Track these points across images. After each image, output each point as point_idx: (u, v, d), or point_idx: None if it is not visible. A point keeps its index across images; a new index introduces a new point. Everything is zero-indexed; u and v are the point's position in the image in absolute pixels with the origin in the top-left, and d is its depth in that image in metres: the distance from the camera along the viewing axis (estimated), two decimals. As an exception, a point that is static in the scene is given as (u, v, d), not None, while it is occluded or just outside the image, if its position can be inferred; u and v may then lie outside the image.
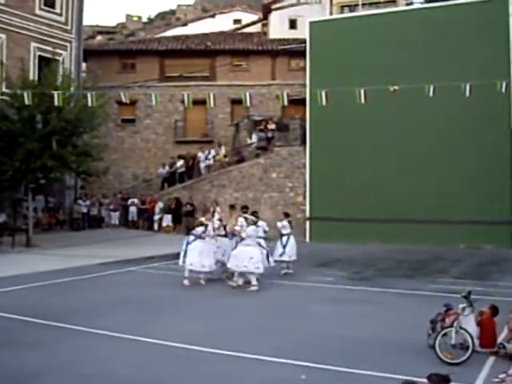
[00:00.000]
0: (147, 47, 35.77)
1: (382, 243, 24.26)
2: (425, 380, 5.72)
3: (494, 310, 9.18)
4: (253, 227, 14.88)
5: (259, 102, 33.10)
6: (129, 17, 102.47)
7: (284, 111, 32.86)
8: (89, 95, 17.36)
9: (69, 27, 30.28)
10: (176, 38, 37.93)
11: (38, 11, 28.53)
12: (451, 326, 8.56)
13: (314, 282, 15.52)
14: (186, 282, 14.90)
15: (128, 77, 33.51)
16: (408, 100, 22.43)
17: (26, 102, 18.45)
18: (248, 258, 14.45)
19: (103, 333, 9.87)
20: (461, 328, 8.46)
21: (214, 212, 22.48)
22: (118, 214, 31.14)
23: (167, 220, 29.59)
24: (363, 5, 33.66)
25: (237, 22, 46.96)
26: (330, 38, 27.58)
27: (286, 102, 18.38)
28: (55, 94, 17.89)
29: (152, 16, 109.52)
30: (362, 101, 17.00)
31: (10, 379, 7.58)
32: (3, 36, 26.75)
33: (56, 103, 17.83)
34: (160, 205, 29.81)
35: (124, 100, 17.85)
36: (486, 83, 16.90)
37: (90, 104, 17.69)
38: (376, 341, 9.55)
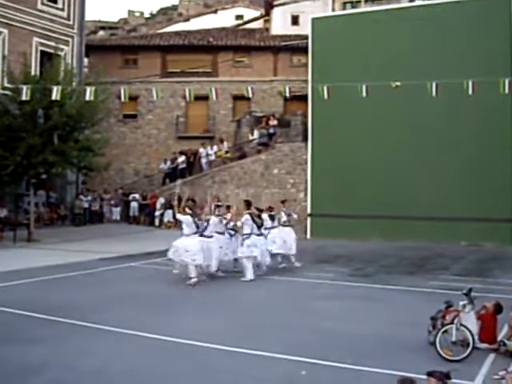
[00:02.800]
0: (149, 43, 35.73)
1: (384, 240, 24.26)
2: (421, 376, 5.75)
3: (497, 308, 9.18)
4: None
5: (261, 98, 33.08)
6: (131, 12, 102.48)
7: (286, 107, 32.84)
8: (88, 89, 17.29)
9: (71, 22, 30.26)
10: (178, 34, 37.86)
11: (40, 6, 28.52)
12: (452, 322, 8.58)
13: (315, 279, 15.53)
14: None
15: (130, 72, 33.51)
16: (410, 96, 22.43)
17: (25, 98, 18.34)
18: (184, 250, 14.51)
19: (105, 328, 9.90)
20: (461, 325, 8.48)
21: (215, 208, 22.46)
22: (119, 209, 31.18)
23: (168, 216, 29.59)
24: (365, 1, 33.62)
25: (239, 17, 46.88)
26: (332, 34, 27.56)
27: (288, 94, 18.40)
28: (55, 88, 17.83)
29: (154, 11, 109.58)
30: (364, 95, 16.93)
31: (13, 374, 7.61)
32: (5, 31, 26.74)
33: (54, 97, 17.74)
34: (161, 200, 29.81)
35: (123, 98, 17.73)
36: (489, 81, 16.86)
37: (88, 97, 17.55)
38: (376, 337, 9.56)
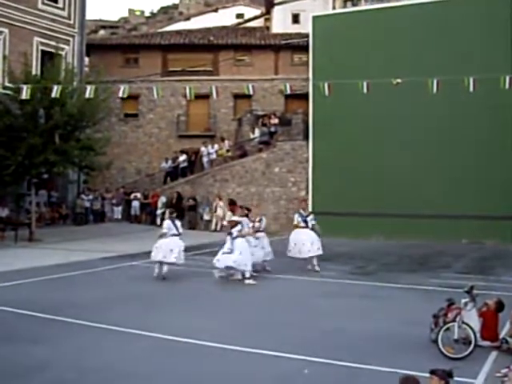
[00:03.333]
0: (150, 42, 35.72)
1: (385, 238, 24.26)
2: (423, 374, 5.74)
3: (499, 306, 9.16)
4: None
5: (262, 97, 33.06)
6: (131, 11, 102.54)
7: (287, 106, 32.83)
8: (88, 88, 17.25)
9: (71, 22, 30.25)
10: (179, 33, 37.85)
11: (40, 5, 28.51)
12: (454, 320, 8.56)
13: (316, 277, 15.53)
14: (228, 276, 14.92)
15: (131, 71, 33.50)
16: (411, 94, 22.42)
17: (25, 97, 18.30)
18: (168, 249, 14.96)
19: (106, 327, 9.90)
20: (463, 323, 8.47)
21: (216, 206, 22.62)
22: (120, 208, 31.18)
23: (170, 215, 29.52)
24: (366, -1, 33.57)
25: (239, 16, 46.86)
26: (332, 32, 27.54)
27: (288, 92, 18.34)
28: (55, 87, 17.79)
29: (155, 10, 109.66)
30: (365, 91, 16.86)
31: (15, 374, 7.61)
32: (6, 30, 26.73)
33: (54, 95, 17.69)
34: (163, 199, 29.78)
35: (121, 94, 17.56)
36: (490, 77, 16.85)
37: (87, 95, 17.49)
38: (379, 335, 9.56)
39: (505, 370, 7.38)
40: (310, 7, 33.83)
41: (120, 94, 16.93)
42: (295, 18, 36.60)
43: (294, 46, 33.36)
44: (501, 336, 8.94)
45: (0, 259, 17.89)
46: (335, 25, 27.85)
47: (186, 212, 28.70)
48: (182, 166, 31.79)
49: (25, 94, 17.72)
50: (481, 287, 11.05)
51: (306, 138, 28.31)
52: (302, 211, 17.08)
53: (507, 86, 16.21)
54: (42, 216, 27.28)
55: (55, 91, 17.37)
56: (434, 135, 25.17)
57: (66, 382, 7.44)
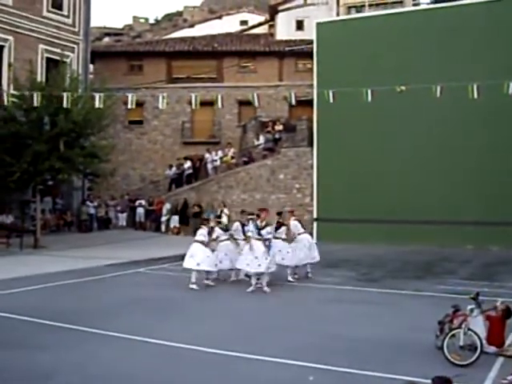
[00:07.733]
0: (154, 49, 35.85)
1: (390, 244, 24.20)
2: (427, 381, 5.69)
3: (507, 313, 9.11)
4: None
5: (266, 103, 33.09)
6: (136, 18, 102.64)
7: (291, 112, 32.85)
8: (97, 96, 17.32)
9: (76, 29, 30.38)
10: (183, 40, 37.99)
11: (45, 13, 28.64)
12: (459, 327, 8.54)
13: (321, 283, 15.50)
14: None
15: (135, 78, 33.62)
16: (415, 101, 22.40)
17: (36, 104, 18.39)
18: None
19: (112, 334, 9.89)
20: (469, 329, 8.44)
21: (221, 213, 22.56)
22: (125, 215, 31.23)
23: (174, 221, 29.62)
24: (370, 5, 33.68)
25: (244, 23, 47.04)
26: (336, 38, 27.56)
27: (293, 102, 18.35)
28: (64, 95, 17.87)
29: (159, 17, 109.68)
30: (369, 99, 16.89)
31: (20, 380, 7.61)
32: (11, 38, 26.86)
33: (65, 105, 17.79)
34: (167, 206, 29.84)
35: (130, 105, 17.59)
36: (495, 83, 16.84)
37: (97, 105, 17.59)
38: (383, 342, 9.53)
39: (510, 377, 7.35)
40: (313, 14, 33.98)
41: (129, 106, 16.94)
42: (299, 25, 36.71)
43: (298, 52, 33.45)
44: (507, 343, 8.89)
45: (5, 266, 17.94)
46: (339, 31, 27.87)
47: (191, 219, 28.70)
48: (186, 172, 31.84)
49: (36, 101, 17.79)
50: (486, 294, 11.00)
51: (311, 144, 28.31)
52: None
53: (510, 91, 16.25)
54: (46, 223, 27.32)
55: (65, 100, 17.40)
56: (438, 141, 25.13)
57: (71, 389, 7.44)
